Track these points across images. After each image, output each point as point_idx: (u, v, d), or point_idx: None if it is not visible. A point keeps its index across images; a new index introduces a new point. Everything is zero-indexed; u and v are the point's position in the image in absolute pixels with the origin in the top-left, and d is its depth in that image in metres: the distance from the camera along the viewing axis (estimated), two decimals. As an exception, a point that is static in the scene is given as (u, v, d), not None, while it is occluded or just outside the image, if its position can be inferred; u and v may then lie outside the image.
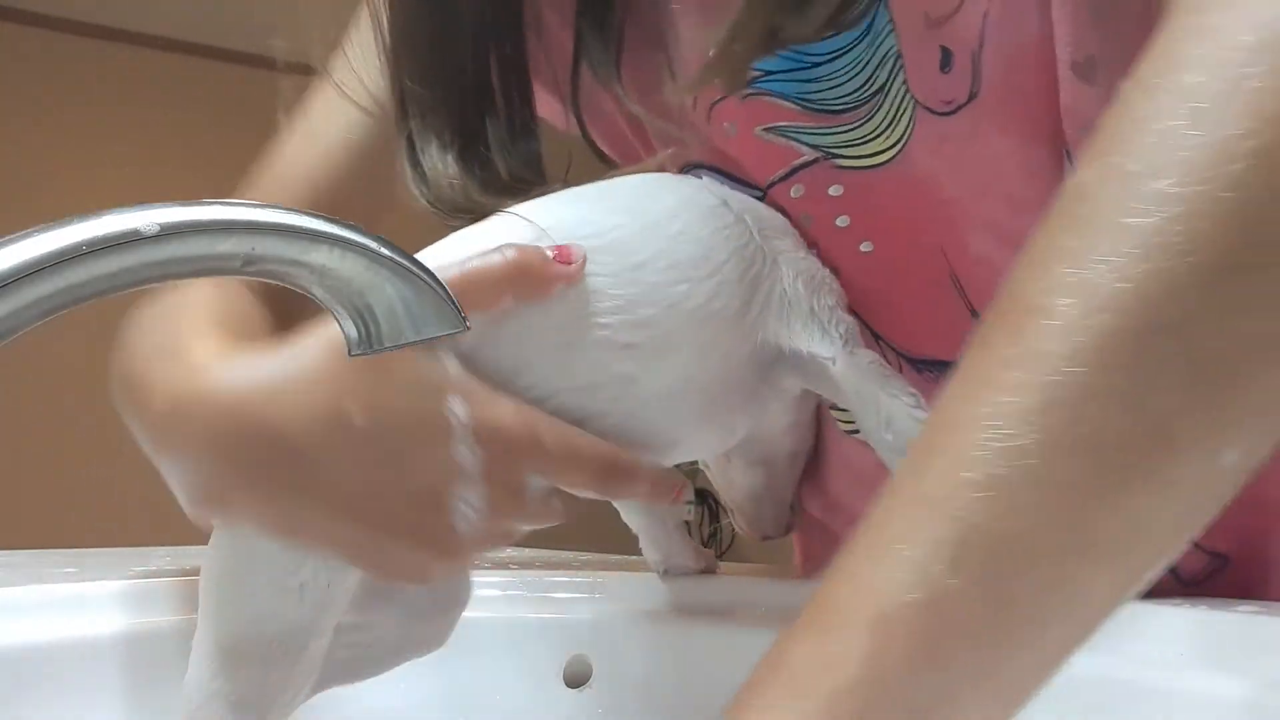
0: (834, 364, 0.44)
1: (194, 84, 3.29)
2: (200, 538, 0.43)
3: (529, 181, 0.48)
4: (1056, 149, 0.42)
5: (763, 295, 0.44)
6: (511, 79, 0.51)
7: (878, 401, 0.43)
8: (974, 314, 0.46)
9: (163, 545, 0.69)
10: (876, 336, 0.50)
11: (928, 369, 0.49)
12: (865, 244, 0.48)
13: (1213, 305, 0.24)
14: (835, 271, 0.48)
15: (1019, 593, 0.24)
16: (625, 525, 0.54)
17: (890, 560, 0.24)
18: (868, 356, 0.45)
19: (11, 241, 0.22)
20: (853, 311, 0.49)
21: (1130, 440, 0.24)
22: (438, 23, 0.49)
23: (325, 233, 0.25)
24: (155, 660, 0.46)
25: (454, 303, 0.28)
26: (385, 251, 0.26)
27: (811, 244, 0.48)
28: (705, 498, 3.58)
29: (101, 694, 0.44)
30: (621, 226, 0.42)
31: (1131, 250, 0.24)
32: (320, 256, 0.25)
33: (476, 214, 0.45)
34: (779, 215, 0.48)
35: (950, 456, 0.25)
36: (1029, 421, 0.24)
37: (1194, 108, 0.24)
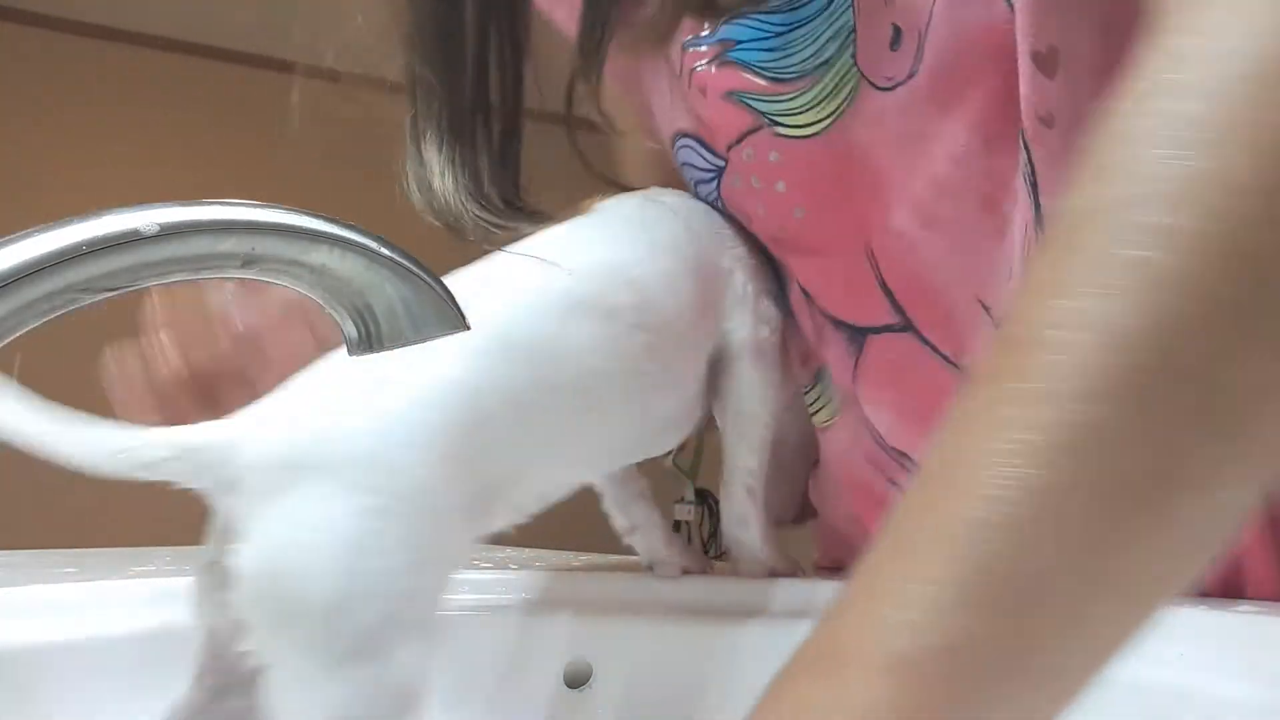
0: (744, 342, 0.50)
1: (194, 84, 3.29)
2: (196, 539, 0.43)
3: (507, 198, 0.50)
4: (990, 138, 0.44)
5: (724, 308, 0.50)
6: (508, 81, 0.52)
7: (745, 375, 0.50)
8: (882, 285, 0.49)
9: (163, 545, 0.69)
10: (806, 294, 0.52)
11: (844, 329, 0.51)
12: (798, 209, 0.50)
13: (1221, 344, 0.24)
14: (780, 231, 0.51)
15: (1037, 632, 0.23)
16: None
17: (902, 599, 0.24)
18: (769, 339, 0.51)
19: (11, 241, 0.22)
20: (792, 275, 0.52)
21: (1144, 480, 0.24)
22: (446, 9, 0.51)
23: (325, 233, 0.25)
24: (156, 661, 0.46)
25: (455, 303, 0.28)
26: (385, 251, 0.26)
27: (758, 205, 0.51)
28: (705, 497, 3.55)
29: (102, 694, 0.44)
30: (666, 273, 0.47)
31: (1136, 284, 0.24)
32: (320, 256, 0.25)
33: (459, 226, 0.46)
34: (725, 222, 0.53)
35: (960, 492, 0.24)
36: (1043, 459, 0.23)
37: (1189, 138, 0.24)
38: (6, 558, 0.59)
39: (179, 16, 3.15)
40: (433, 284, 0.27)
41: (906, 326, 0.49)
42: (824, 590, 0.50)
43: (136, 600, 0.48)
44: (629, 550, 0.56)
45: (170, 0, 3.06)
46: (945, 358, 0.48)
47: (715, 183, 0.52)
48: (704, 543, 3.43)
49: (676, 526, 3.35)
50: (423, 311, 0.27)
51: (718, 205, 0.53)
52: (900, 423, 0.51)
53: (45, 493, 2.95)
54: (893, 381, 0.50)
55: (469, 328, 0.28)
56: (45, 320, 0.23)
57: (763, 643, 0.49)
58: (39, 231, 0.22)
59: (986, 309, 0.46)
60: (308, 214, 0.25)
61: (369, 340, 0.28)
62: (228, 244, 0.24)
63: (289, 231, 0.25)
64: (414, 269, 0.27)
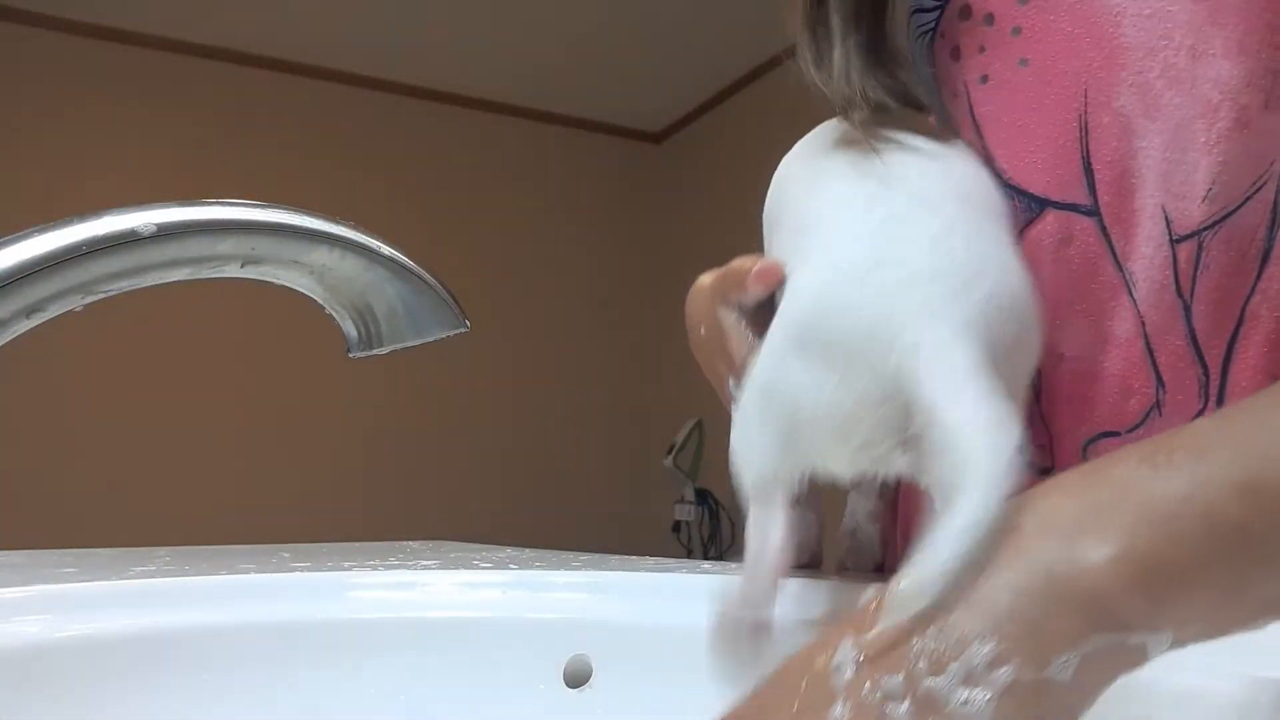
0: None
1: (194, 84, 3.29)
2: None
3: (896, 84, 0.48)
4: (1231, 41, 0.42)
5: None
6: None
7: None
8: (1086, 163, 0.47)
9: (163, 545, 0.69)
10: (990, 156, 0.50)
11: (1023, 197, 0.49)
12: (1024, 60, 0.48)
13: None
14: (984, 78, 0.49)
15: None
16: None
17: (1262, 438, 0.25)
18: None
19: (11, 241, 0.22)
20: (975, 123, 0.50)
21: None
22: None
23: (325, 233, 0.25)
24: (156, 660, 0.46)
25: (454, 303, 0.28)
26: (385, 251, 0.26)
27: (980, 45, 0.49)
28: (705, 498, 3.56)
29: (101, 694, 0.44)
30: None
31: None
32: (320, 256, 0.25)
33: (851, 105, 0.46)
34: None
35: None
36: None
37: None
38: (6, 558, 0.59)
39: (179, 16, 3.15)
40: (433, 284, 0.27)
41: (1093, 211, 0.47)
42: (828, 591, 0.50)
43: (136, 600, 0.47)
44: (630, 550, 0.56)
45: (170, 0, 3.06)
46: (1115, 256, 0.46)
47: (939, 10, 0.51)
48: (704, 543, 3.43)
49: (676, 527, 3.36)
50: (422, 311, 0.27)
51: (927, 39, 0.52)
52: (1048, 308, 0.50)
53: (45, 493, 2.96)
54: (1058, 261, 0.48)
55: (468, 327, 0.28)
56: (45, 320, 0.23)
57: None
58: (39, 231, 0.22)
59: (1168, 220, 0.44)
60: (307, 214, 0.25)
61: (369, 340, 0.28)
62: (227, 244, 0.24)
63: (288, 231, 0.25)
64: (414, 269, 0.27)
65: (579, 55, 3.40)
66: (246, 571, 0.52)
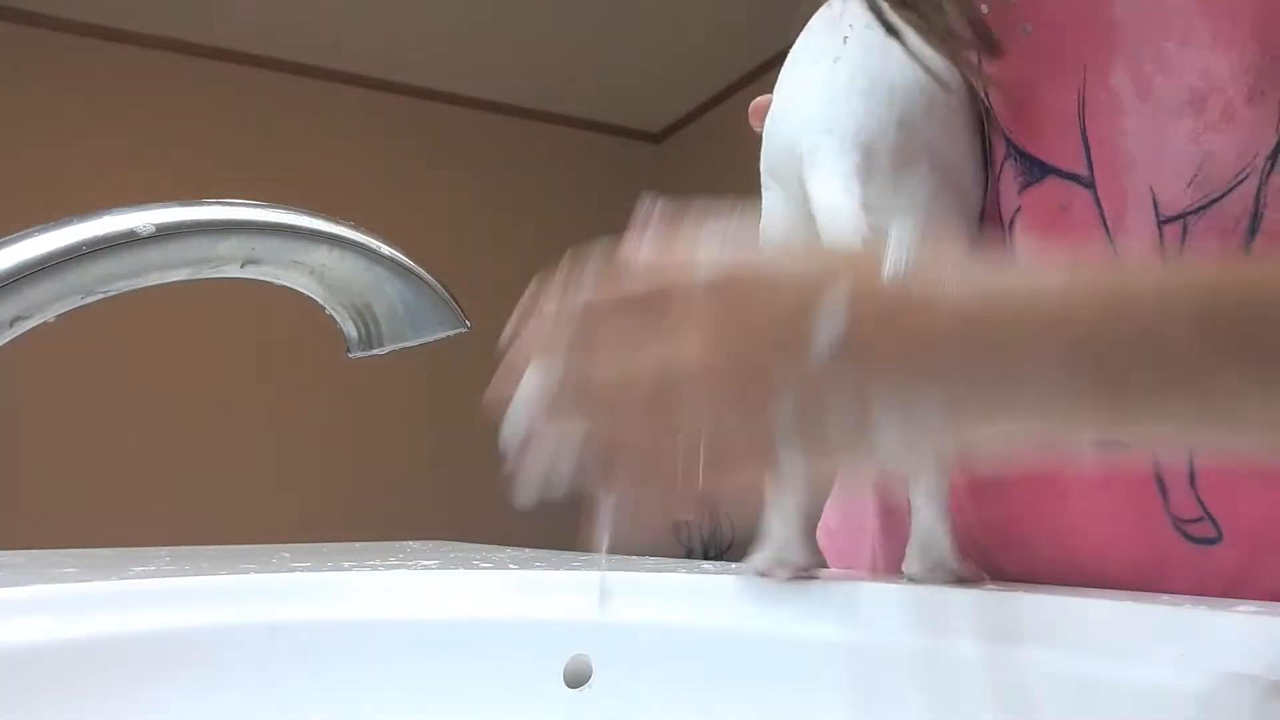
0: None
1: (195, 84, 3.29)
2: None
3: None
4: (1217, 31, 0.42)
5: None
6: None
7: None
8: (1084, 134, 0.47)
9: (163, 545, 0.69)
10: (994, 116, 0.50)
11: (1025, 160, 0.49)
12: (1027, 25, 0.48)
13: None
14: (996, 45, 0.49)
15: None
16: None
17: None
18: None
19: (11, 241, 0.22)
20: (985, 91, 0.50)
21: None
22: None
23: (325, 233, 0.25)
24: (156, 660, 0.46)
25: (454, 303, 0.28)
26: (385, 251, 0.26)
27: (984, 5, 0.49)
28: (705, 498, 3.53)
29: (101, 694, 0.44)
30: None
31: None
32: (320, 256, 0.25)
33: (934, 30, 0.46)
34: None
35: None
36: None
37: None
38: (6, 558, 0.59)
39: (179, 16, 3.15)
40: (433, 284, 0.27)
41: (1090, 184, 0.47)
42: (831, 591, 0.50)
43: (136, 600, 0.47)
44: (629, 550, 0.56)
45: (170, 0, 3.07)
46: (1108, 230, 0.46)
47: None
48: (704, 543, 3.43)
49: (676, 527, 3.35)
50: (422, 311, 0.27)
51: None
52: None
53: (45, 493, 2.97)
54: (1053, 229, 0.48)
55: (468, 327, 0.28)
56: (45, 320, 0.23)
57: (761, 640, 0.49)
58: (39, 231, 0.22)
59: (1156, 201, 0.44)
60: (307, 214, 0.25)
61: (369, 340, 0.28)
62: (226, 244, 0.24)
63: (288, 231, 0.25)
64: (414, 269, 0.27)
65: (579, 55, 3.40)
66: (246, 571, 0.52)
